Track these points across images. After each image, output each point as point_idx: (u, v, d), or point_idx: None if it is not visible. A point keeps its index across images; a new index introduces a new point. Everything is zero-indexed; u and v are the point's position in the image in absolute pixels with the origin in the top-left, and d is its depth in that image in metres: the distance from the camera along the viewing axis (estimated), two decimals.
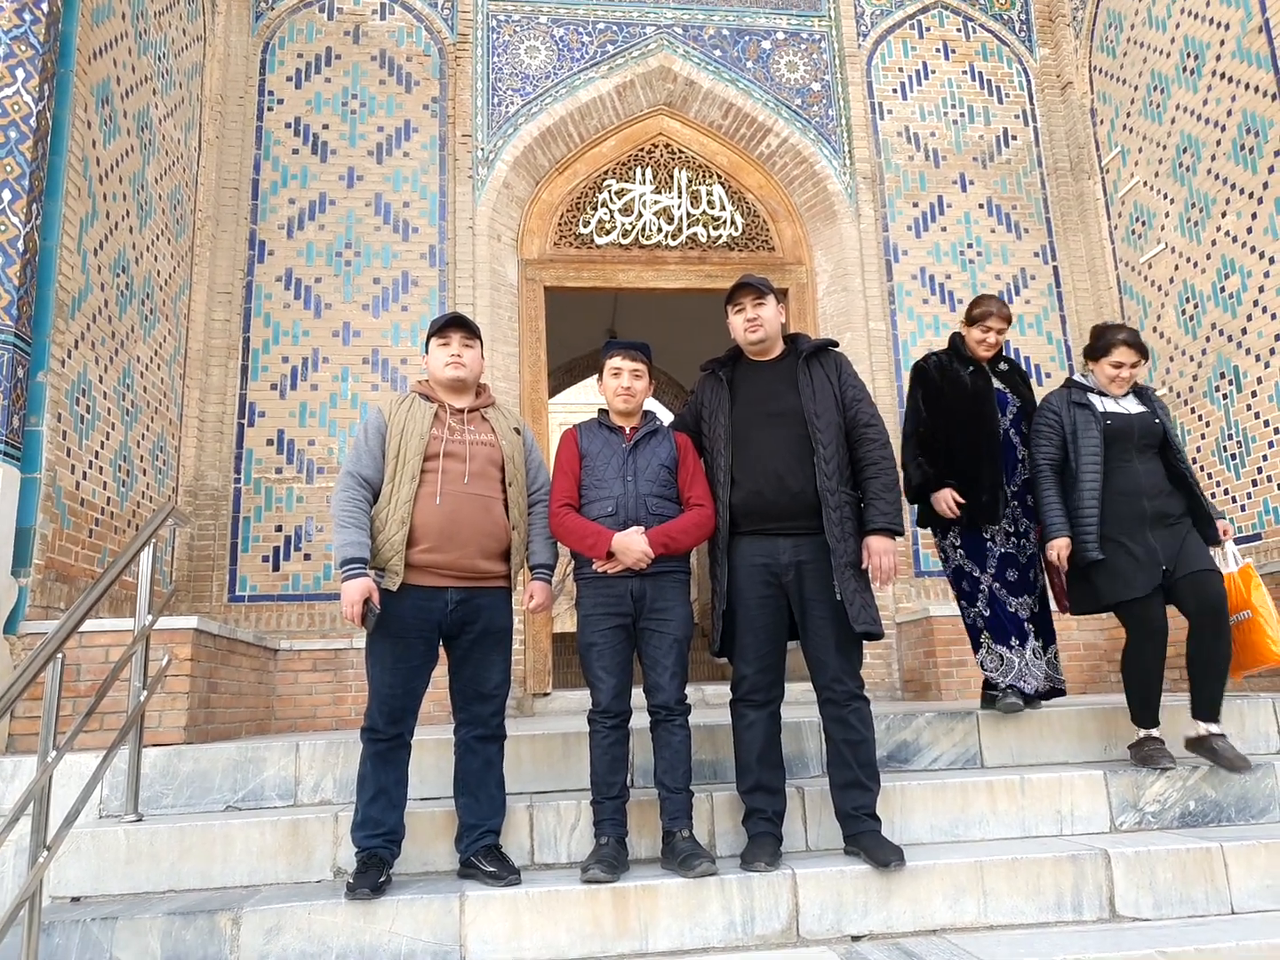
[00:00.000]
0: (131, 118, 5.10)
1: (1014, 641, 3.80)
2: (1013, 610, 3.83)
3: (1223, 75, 5.64)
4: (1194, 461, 5.91)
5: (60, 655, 2.63)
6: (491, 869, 2.92)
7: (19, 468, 4.05)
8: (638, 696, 3.11)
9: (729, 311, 3.35)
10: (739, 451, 3.20)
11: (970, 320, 3.97)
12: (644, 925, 2.81)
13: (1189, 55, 5.93)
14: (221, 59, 6.40)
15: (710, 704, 5.52)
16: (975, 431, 3.81)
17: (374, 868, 2.83)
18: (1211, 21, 5.73)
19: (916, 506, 3.97)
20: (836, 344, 3.44)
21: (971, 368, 3.93)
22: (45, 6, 4.32)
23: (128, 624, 3.75)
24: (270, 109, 6.52)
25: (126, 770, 3.25)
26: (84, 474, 4.52)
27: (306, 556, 5.85)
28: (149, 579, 3.42)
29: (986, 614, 3.83)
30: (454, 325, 3.25)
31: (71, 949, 2.63)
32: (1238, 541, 5.49)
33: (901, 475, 3.46)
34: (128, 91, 5.06)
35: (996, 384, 3.94)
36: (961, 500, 3.76)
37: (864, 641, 3.16)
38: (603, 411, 3.37)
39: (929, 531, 4.15)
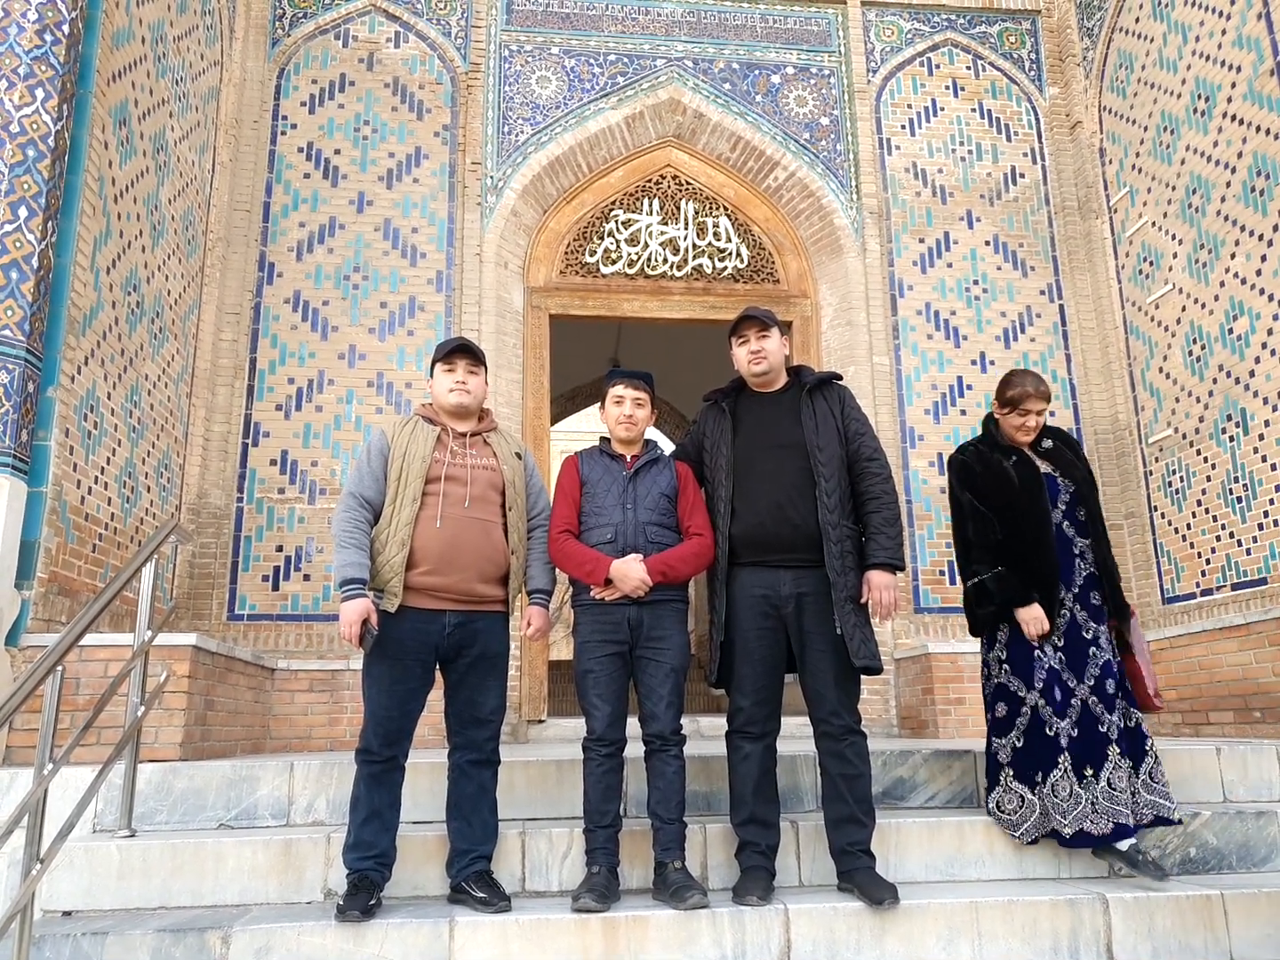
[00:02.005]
0: (148, 139, 5.18)
1: (1041, 777, 3.23)
2: (1071, 732, 3.21)
3: (1234, 117, 5.70)
4: (1199, 504, 5.92)
5: (60, 668, 2.64)
6: (482, 895, 2.90)
7: (26, 481, 4.07)
8: (633, 726, 3.10)
9: (733, 343, 3.38)
10: (740, 482, 3.21)
11: (1004, 403, 3.46)
12: (634, 956, 2.79)
13: (1200, 97, 6.00)
14: (237, 84, 6.51)
15: (705, 735, 5.50)
16: (1024, 529, 3.31)
17: (365, 890, 2.82)
18: (1223, 64, 5.80)
19: (970, 615, 3.46)
20: (840, 377, 3.46)
21: (1014, 457, 3.42)
22: (66, 28, 4.41)
23: (127, 639, 3.75)
24: (283, 133, 6.61)
25: (122, 785, 3.24)
26: (89, 489, 4.55)
27: (306, 577, 5.86)
28: (150, 595, 3.44)
29: (1019, 744, 3.27)
30: (459, 351, 3.27)
31: None
32: (1246, 585, 5.48)
33: (964, 586, 3.37)
34: (145, 114, 5.14)
35: (1044, 467, 3.45)
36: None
37: (862, 676, 3.15)
38: (604, 439, 3.39)
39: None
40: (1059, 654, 3.28)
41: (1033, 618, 3.24)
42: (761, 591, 3.14)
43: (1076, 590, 3.34)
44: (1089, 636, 3.31)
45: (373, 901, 2.82)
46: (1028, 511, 3.33)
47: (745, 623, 3.14)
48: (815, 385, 3.32)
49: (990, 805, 3.37)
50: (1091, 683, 3.25)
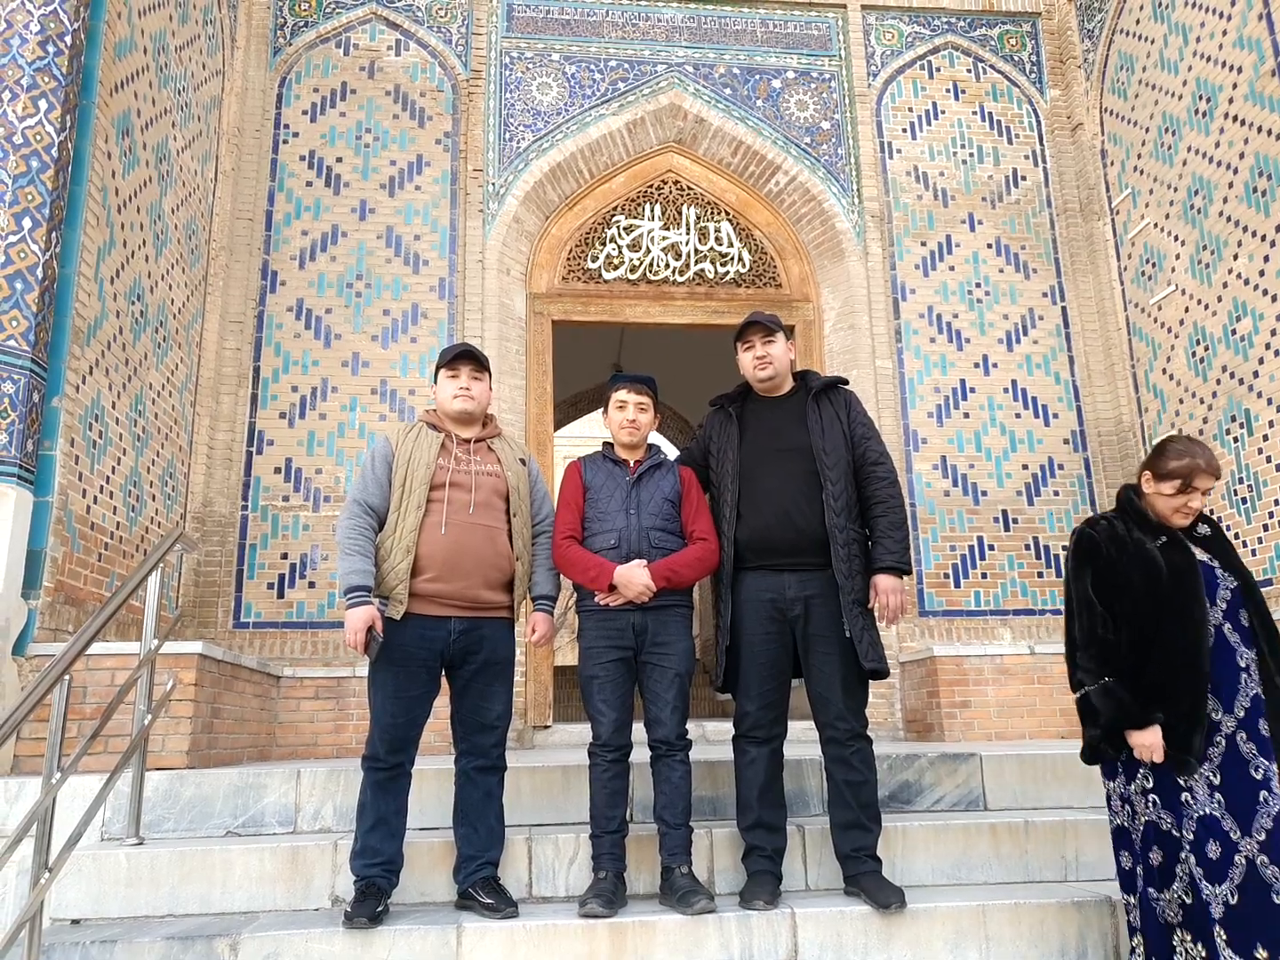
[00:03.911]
0: (150, 149, 5.20)
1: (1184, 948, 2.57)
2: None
3: (1235, 118, 5.70)
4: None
5: (67, 678, 2.65)
6: (489, 901, 2.91)
7: (32, 491, 4.09)
8: (638, 731, 3.11)
9: (738, 349, 3.38)
10: (746, 487, 3.21)
11: (1163, 476, 2.76)
12: None
13: (1201, 97, 6.00)
14: (239, 93, 6.53)
15: (711, 740, 5.49)
16: (1174, 630, 2.65)
17: (372, 897, 2.82)
18: (1224, 64, 5.80)
19: (1086, 735, 2.80)
20: (846, 381, 3.46)
21: (1163, 538, 2.76)
22: (69, 39, 4.43)
23: (134, 648, 3.76)
24: (285, 142, 6.64)
25: (129, 793, 3.25)
26: (95, 498, 4.56)
27: (311, 584, 5.87)
28: (155, 604, 3.45)
29: (1188, 900, 2.56)
30: (464, 357, 3.28)
31: None
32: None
33: (1076, 696, 2.76)
34: (148, 123, 5.16)
35: (1200, 556, 2.77)
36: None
37: (869, 681, 3.15)
38: (607, 445, 3.39)
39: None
40: (1215, 796, 2.60)
41: (1147, 744, 2.62)
42: (767, 595, 3.14)
43: (1241, 715, 2.64)
44: (1258, 776, 2.61)
45: (380, 908, 2.82)
46: (1182, 609, 2.66)
47: (751, 627, 3.14)
48: (821, 390, 3.33)
49: None
50: (1262, 837, 2.56)
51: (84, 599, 4.42)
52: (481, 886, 2.95)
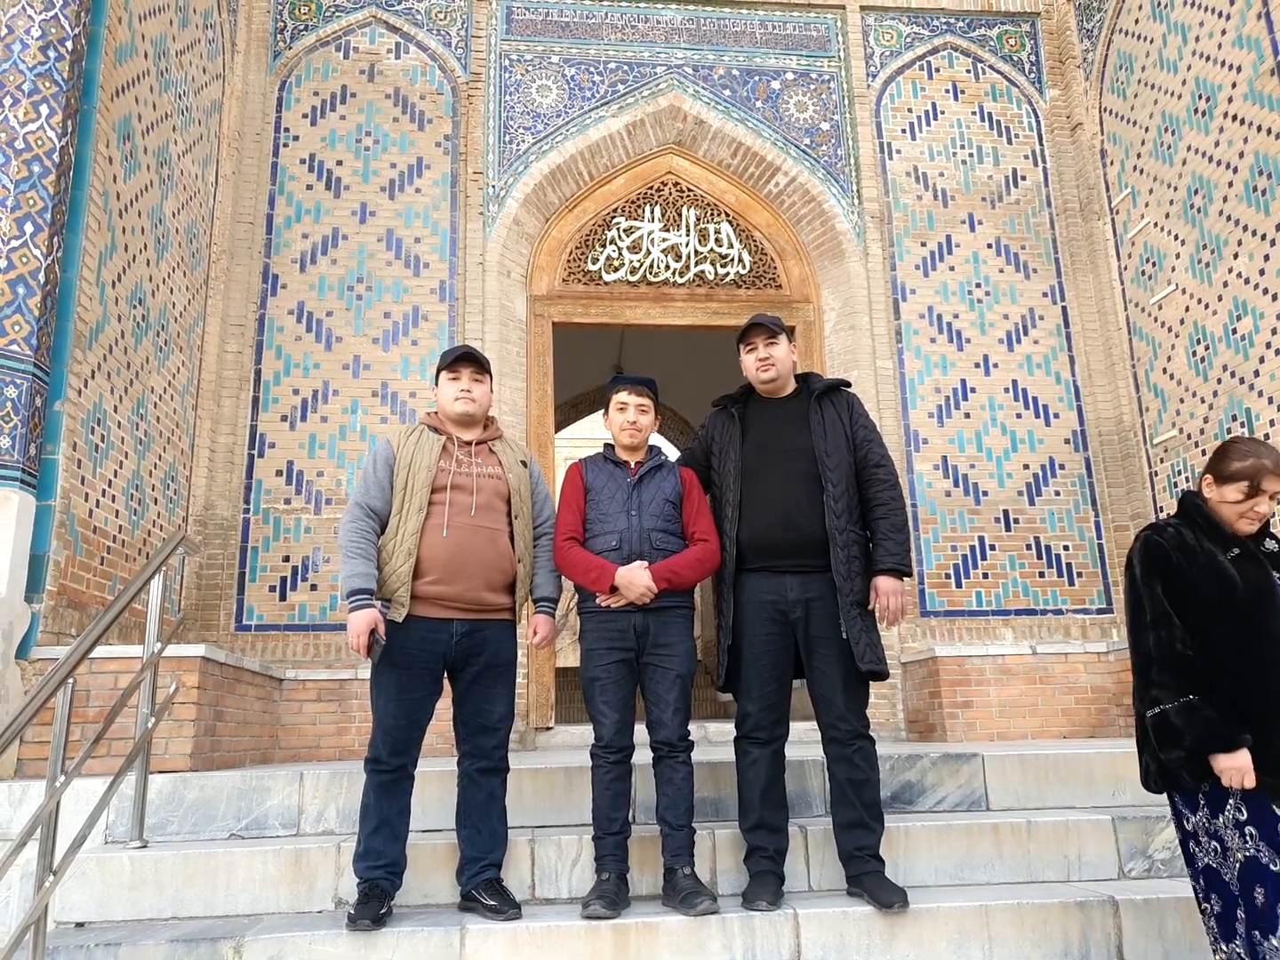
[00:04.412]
0: (151, 153, 5.21)
1: None
2: None
3: (1235, 117, 5.71)
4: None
5: (71, 681, 2.66)
6: (492, 902, 2.91)
7: (35, 495, 4.09)
8: (641, 733, 3.11)
9: (741, 350, 3.39)
10: (748, 488, 3.22)
11: (1226, 478, 2.61)
12: None
13: (1200, 97, 6.01)
14: (240, 97, 6.54)
15: (713, 741, 5.50)
16: (1253, 647, 2.51)
17: (375, 899, 2.83)
18: (1223, 64, 5.81)
19: (1154, 758, 2.57)
20: (849, 384, 3.47)
21: (1235, 550, 2.60)
22: (70, 45, 4.44)
23: (136, 651, 3.78)
24: (286, 145, 6.65)
25: (133, 796, 3.26)
26: (97, 502, 4.57)
27: (313, 587, 5.88)
28: (158, 607, 3.46)
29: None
30: (465, 360, 3.29)
31: None
32: None
33: (1149, 715, 2.53)
34: (149, 128, 5.17)
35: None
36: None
37: (870, 681, 3.16)
38: (608, 446, 3.40)
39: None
40: None
41: (1236, 767, 2.40)
42: (769, 597, 3.15)
43: None
44: None
45: (383, 910, 2.83)
46: (1259, 627, 2.51)
47: (752, 628, 3.15)
48: (824, 391, 3.33)
49: None
50: None
51: (87, 602, 4.43)
52: (484, 888, 2.95)
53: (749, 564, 3.19)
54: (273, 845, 3.19)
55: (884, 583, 3.13)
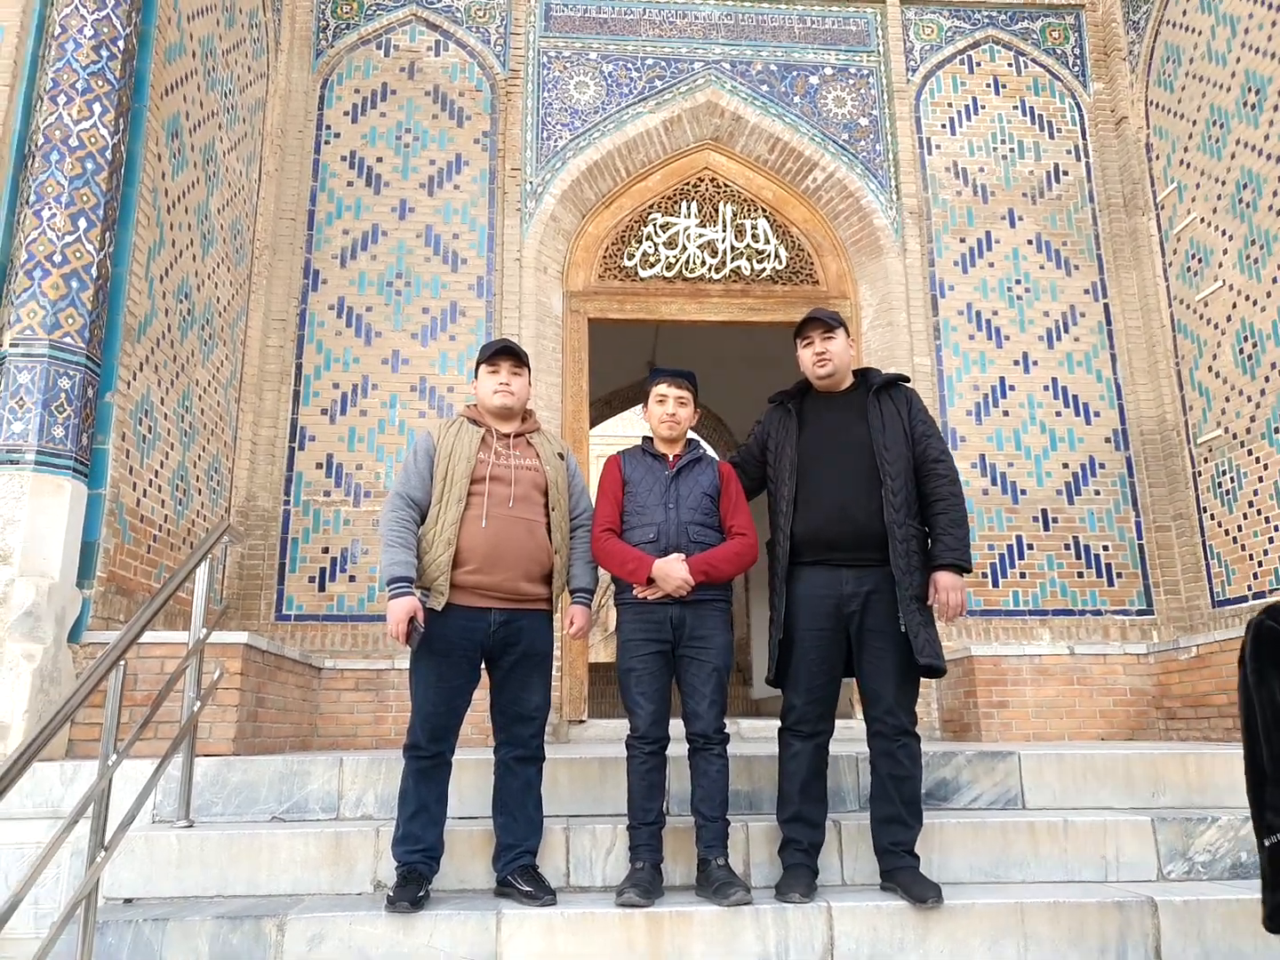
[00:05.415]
0: (198, 151, 5.31)
1: None
2: None
3: None
4: (1250, 505, 5.81)
5: (123, 663, 2.73)
6: (528, 889, 2.95)
7: (86, 484, 4.20)
8: (676, 726, 3.13)
9: (798, 345, 3.37)
10: (804, 482, 3.21)
11: None
12: (678, 951, 2.82)
13: (1250, 89, 5.89)
14: (283, 95, 6.64)
15: (745, 738, 5.51)
16: None
17: (413, 882, 2.88)
18: (1273, 56, 5.69)
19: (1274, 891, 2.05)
20: (908, 379, 3.45)
21: None
22: (121, 44, 4.53)
23: (182, 637, 3.86)
24: (327, 142, 6.74)
25: (179, 777, 3.34)
26: (144, 492, 4.67)
27: (351, 578, 5.96)
28: (204, 594, 3.54)
29: None
30: (504, 353, 3.33)
31: (124, 949, 2.71)
32: None
33: (1266, 843, 2.02)
34: (196, 126, 5.27)
35: None
36: None
37: (920, 679, 3.14)
38: (646, 439, 3.41)
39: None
40: None
41: None
42: (823, 591, 3.14)
43: None
44: None
45: (421, 893, 2.87)
46: None
47: (805, 622, 3.14)
48: (882, 386, 3.32)
49: None
50: None
51: (134, 589, 4.53)
52: (520, 874, 2.99)
53: (804, 558, 3.18)
54: (313, 828, 3.26)
55: (944, 578, 3.12)
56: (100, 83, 4.45)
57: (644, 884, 2.92)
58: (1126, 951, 2.94)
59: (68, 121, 4.36)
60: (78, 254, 4.23)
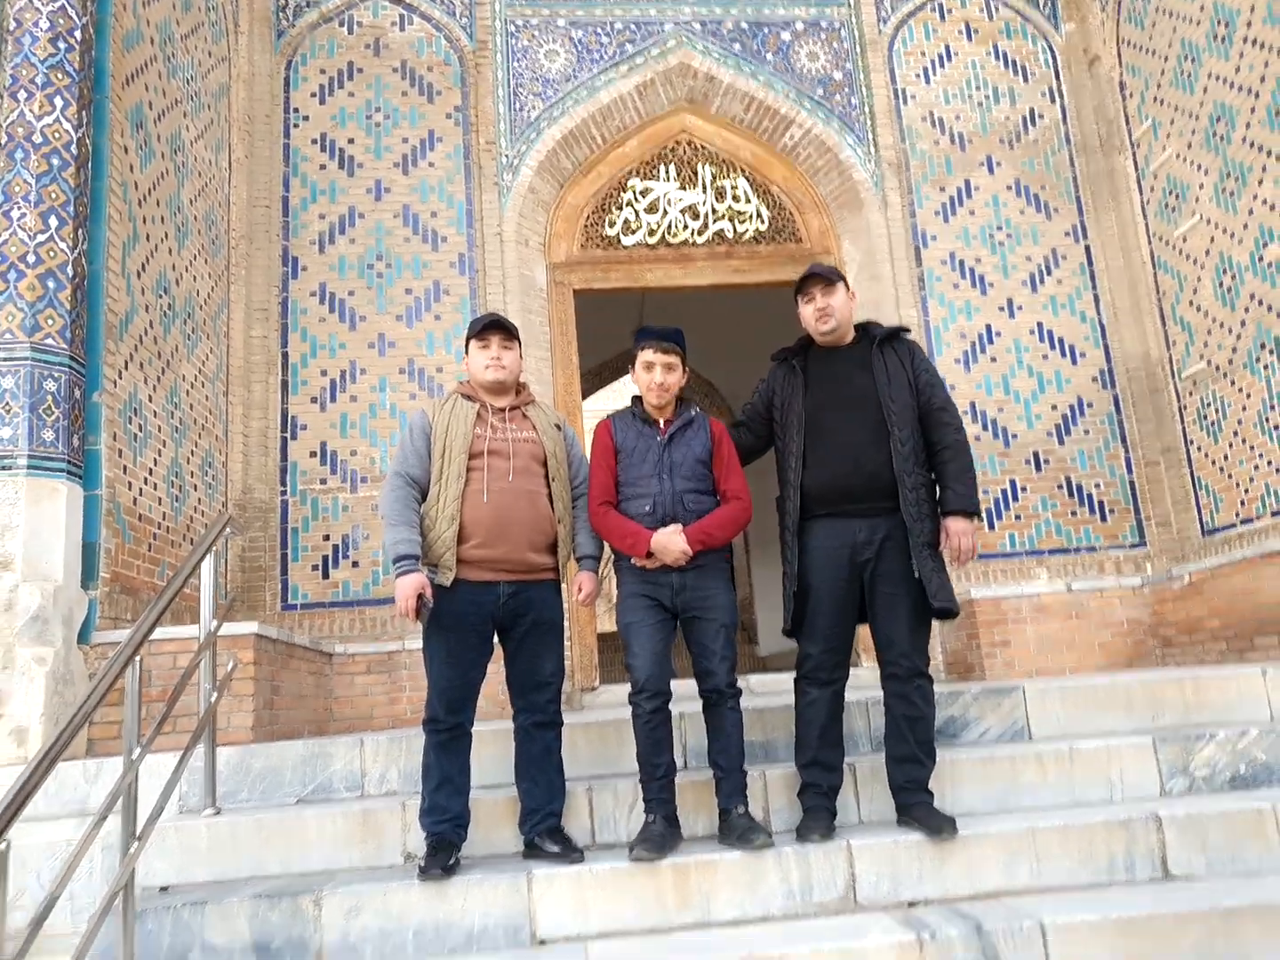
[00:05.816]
0: (165, 141, 5.24)
1: None
2: None
3: (1255, 41, 5.59)
4: (1235, 435, 5.88)
5: (138, 659, 2.75)
6: (556, 849, 3.01)
7: (81, 485, 4.19)
8: (690, 686, 3.18)
9: (799, 302, 3.39)
10: (813, 436, 3.25)
11: None
12: (705, 897, 2.89)
13: (1219, 22, 5.88)
14: (246, 79, 6.53)
15: (755, 692, 5.57)
16: None
17: (443, 850, 2.93)
18: None
19: None
20: (909, 330, 3.49)
21: None
22: (78, 34, 4.44)
23: (191, 631, 3.89)
24: (296, 126, 6.65)
25: (203, 768, 3.38)
26: (140, 490, 4.67)
27: (355, 564, 5.98)
28: (211, 587, 3.56)
29: None
30: (493, 327, 3.34)
31: (164, 933, 2.76)
32: None
33: None
34: (160, 115, 5.20)
35: None
36: None
37: (933, 621, 3.21)
38: (636, 399, 3.39)
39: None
40: None
41: None
42: (836, 542, 3.19)
43: None
44: None
45: (452, 860, 2.93)
46: None
47: (820, 573, 3.19)
48: (885, 338, 3.35)
49: None
50: None
51: (138, 588, 4.55)
52: (547, 835, 3.05)
53: (815, 511, 3.23)
54: (340, 807, 3.31)
55: (955, 524, 3.18)
56: (60, 75, 4.37)
57: (656, 838, 2.96)
58: (1135, 865, 3.03)
59: (30, 118, 4.28)
60: (51, 253, 4.19)
